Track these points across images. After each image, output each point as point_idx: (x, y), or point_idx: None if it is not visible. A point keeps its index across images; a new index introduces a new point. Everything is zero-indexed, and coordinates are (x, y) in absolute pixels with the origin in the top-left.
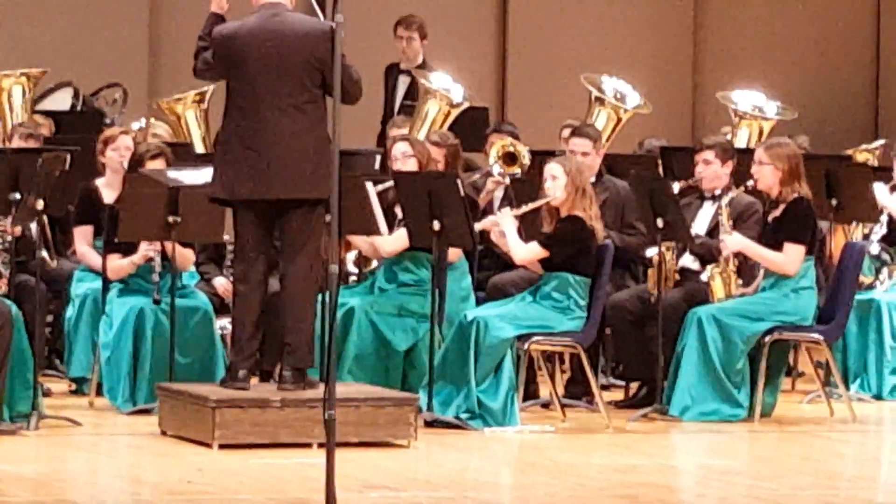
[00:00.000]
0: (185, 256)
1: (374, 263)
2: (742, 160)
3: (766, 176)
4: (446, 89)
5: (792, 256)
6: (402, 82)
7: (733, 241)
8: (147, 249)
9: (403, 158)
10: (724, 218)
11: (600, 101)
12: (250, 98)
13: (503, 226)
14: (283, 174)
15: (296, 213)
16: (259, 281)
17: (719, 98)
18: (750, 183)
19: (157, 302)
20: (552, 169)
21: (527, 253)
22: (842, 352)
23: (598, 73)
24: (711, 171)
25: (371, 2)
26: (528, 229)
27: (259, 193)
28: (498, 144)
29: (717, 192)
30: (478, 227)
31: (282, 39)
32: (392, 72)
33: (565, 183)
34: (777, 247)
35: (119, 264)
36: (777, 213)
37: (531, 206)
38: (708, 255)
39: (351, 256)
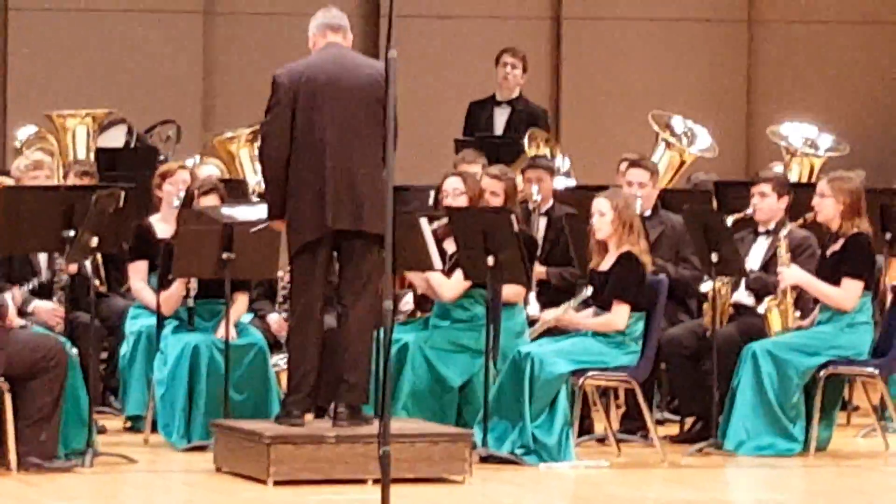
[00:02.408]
0: (240, 306)
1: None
2: (795, 195)
3: (828, 208)
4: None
5: (850, 292)
6: (500, 114)
7: (791, 275)
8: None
9: (455, 195)
10: (783, 250)
11: (667, 142)
12: (320, 133)
13: (573, 322)
14: (356, 208)
15: (360, 248)
16: (319, 317)
17: (769, 134)
18: (809, 216)
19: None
20: (599, 204)
21: (613, 320)
22: None
23: (666, 112)
24: (767, 204)
25: (425, 37)
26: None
27: (340, 224)
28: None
29: (772, 226)
30: (546, 325)
31: (350, 75)
32: (485, 105)
33: (611, 218)
34: (835, 281)
35: (169, 293)
36: (836, 247)
37: (579, 299)
38: (763, 290)
39: (409, 298)
